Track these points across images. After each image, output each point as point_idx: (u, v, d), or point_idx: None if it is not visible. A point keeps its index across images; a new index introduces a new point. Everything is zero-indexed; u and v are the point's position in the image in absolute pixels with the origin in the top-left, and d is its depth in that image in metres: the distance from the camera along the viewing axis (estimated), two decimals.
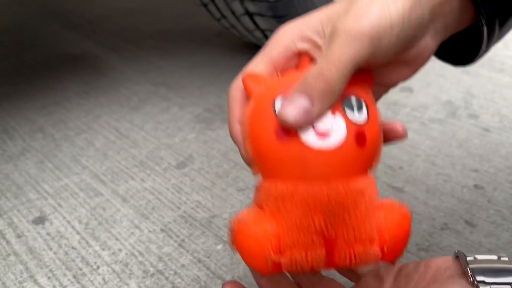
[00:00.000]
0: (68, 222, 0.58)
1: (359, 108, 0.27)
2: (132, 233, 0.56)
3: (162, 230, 0.56)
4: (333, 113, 0.27)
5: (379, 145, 0.29)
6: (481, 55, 0.35)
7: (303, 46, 0.31)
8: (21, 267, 0.52)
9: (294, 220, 0.25)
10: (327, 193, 0.25)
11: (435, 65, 1.01)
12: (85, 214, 0.59)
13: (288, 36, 0.31)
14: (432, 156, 0.70)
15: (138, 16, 1.36)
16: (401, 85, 0.92)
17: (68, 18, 1.35)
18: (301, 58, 0.31)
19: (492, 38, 0.33)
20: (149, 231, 0.56)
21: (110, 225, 0.57)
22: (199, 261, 0.52)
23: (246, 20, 0.85)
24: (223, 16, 0.90)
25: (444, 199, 0.61)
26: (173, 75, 0.98)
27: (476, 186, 0.63)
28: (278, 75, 0.30)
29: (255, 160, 0.29)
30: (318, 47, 0.31)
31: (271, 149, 0.27)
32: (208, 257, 0.52)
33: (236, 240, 0.27)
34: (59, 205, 0.61)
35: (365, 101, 0.28)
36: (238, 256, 0.55)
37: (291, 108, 0.26)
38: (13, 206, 0.61)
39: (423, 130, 0.77)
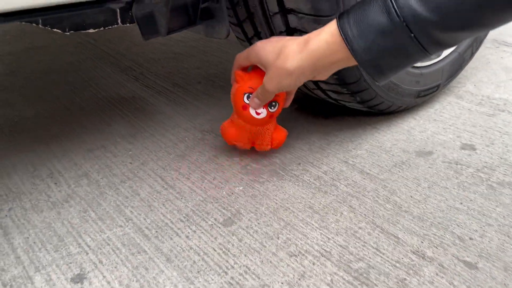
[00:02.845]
0: (108, 282, 0.54)
1: (274, 106, 0.72)
2: None
3: None
4: (264, 107, 0.71)
5: (278, 112, 0.75)
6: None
7: (256, 63, 0.69)
8: None
9: (241, 132, 0.77)
10: (255, 127, 0.76)
11: (497, 121, 0.94)
12: (126, 274, 0.55)
13: (256, 52, 0.67)
14: (507, 226, 0.63)
15: (186, 60, 1.38)
16: (462, 141, 0.86)
17: (120, 61, 1.38)
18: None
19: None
20: None
21: None
22: None
23: None
24: None
25: None
26: (221, 123, 0.96)
27: None
28: (250, 70, 0.73)
29: (233, 106, 0.75)
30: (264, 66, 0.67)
31: (239, 110, 0.73)
32: None
33: (222, 133, 0.79)
34: (100, 261, 0.57)
35: (278, 102, 0.72)
36: None
37: (254, 102, 0.71)
38: (52, 260, 0.58)
39: (492, 195, 0.70)
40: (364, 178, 0.75)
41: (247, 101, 0.71)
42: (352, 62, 0.56)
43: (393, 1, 0.49)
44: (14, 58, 1.41)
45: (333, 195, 0.71)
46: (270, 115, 0.73)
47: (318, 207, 0.68)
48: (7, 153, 0.84)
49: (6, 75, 1.26)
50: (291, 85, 0.63)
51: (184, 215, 0.66)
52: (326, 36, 0.56)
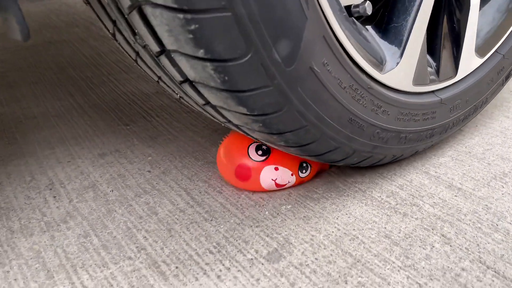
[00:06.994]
0: None
1: (306, 168, 0.56)
2: None
3: None
4: (293, 172, 0.56)
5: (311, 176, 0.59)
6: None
7: None
8: None
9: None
10: None
11: None
12: None
13: None
14: None
15: None
16: None
17: None
18: None
19: None
20: None
21: None
22: None
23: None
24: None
25: None
26: None
27: None
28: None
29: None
30: None
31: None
32: None
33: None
34: None
35: (310, 164, 0.56)
36: None
37: None
38: None
39: None
40: (455, 195, 0.55)
41: (254, 158, 0.55)
42: None
43: None
44: (31, 52, 1.29)
45: (416, 218, 0.52)
46: (299, 181, 0.58)
47: (398, 236, 0.49)
48: (4, 158, 0.70)
49: (19, 70, 1.13)
50: None
51: (214, 244, 0.49)
52: None
